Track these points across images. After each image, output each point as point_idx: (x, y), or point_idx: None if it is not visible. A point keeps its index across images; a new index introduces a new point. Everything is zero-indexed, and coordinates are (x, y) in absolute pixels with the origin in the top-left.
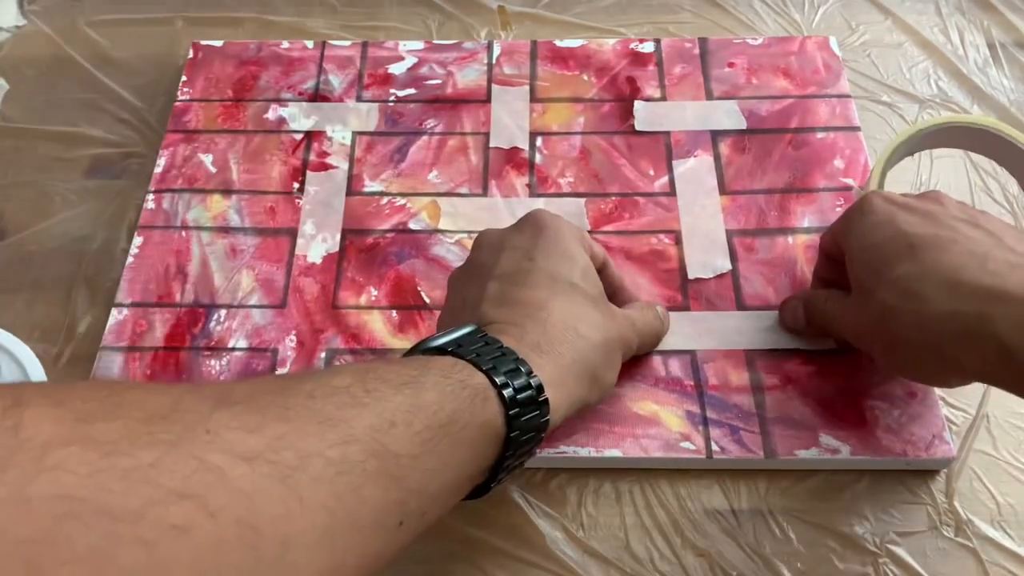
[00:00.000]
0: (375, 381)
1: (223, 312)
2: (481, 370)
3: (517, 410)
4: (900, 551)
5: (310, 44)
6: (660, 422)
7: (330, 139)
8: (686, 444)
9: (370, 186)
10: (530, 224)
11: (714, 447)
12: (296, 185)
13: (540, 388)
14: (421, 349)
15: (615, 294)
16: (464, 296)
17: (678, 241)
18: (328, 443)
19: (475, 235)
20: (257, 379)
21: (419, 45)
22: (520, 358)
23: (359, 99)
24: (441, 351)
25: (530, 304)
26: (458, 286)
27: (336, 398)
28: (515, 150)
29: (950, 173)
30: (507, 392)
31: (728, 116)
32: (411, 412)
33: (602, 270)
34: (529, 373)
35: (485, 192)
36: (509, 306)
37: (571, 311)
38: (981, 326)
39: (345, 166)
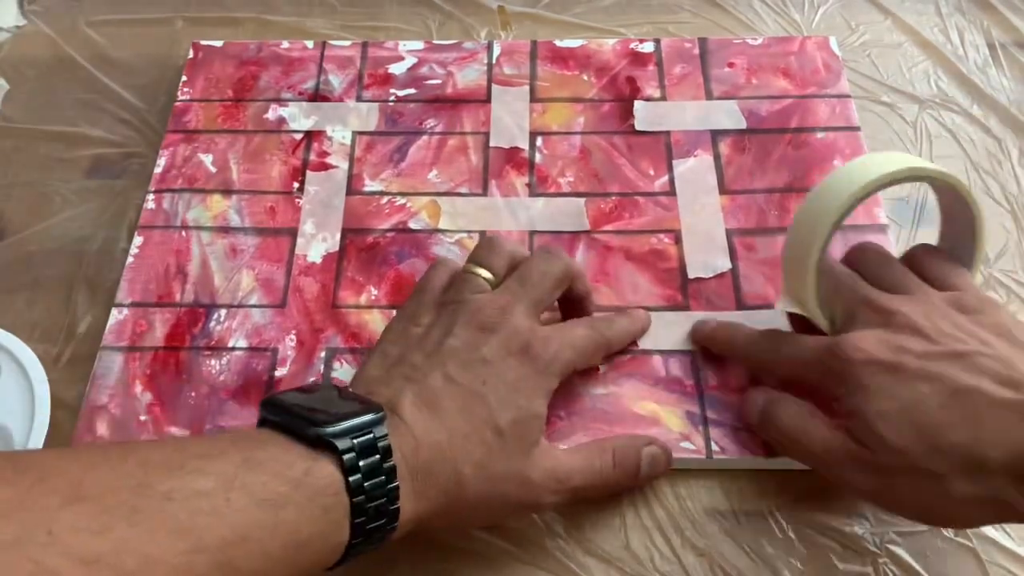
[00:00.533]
0: (239, 492)
1: (223, 312)
2: (350, 497)
3: (363, 518)
4: (900, 551)
5: (310, 44)
6: (660, 422)
7: (330, 139)
8: (686, 444)
9: (370, 186)
10: (518, 340)
11: (714, 447)
12: (296, 185)
13: (395, 513)
14: (317, 434)
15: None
16: (403, 353)
17: (678, 240)
18: (175, 551)
19: (475, 235)
20: (120, 466)
21: (419, 45)
22: (395, 487)
23: (359, 99)
24: (330, 443)
25: (438, 423)
26: (404, 328)
27: (194, 503)
28: (515, 150)
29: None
30: (350, 459)
31: (728, 116)
32: (268, 530)
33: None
34: (393, 500)
35: (485, 192)
36: (422, 407)
37: (471, 452)
38: None
39: (345, 166)
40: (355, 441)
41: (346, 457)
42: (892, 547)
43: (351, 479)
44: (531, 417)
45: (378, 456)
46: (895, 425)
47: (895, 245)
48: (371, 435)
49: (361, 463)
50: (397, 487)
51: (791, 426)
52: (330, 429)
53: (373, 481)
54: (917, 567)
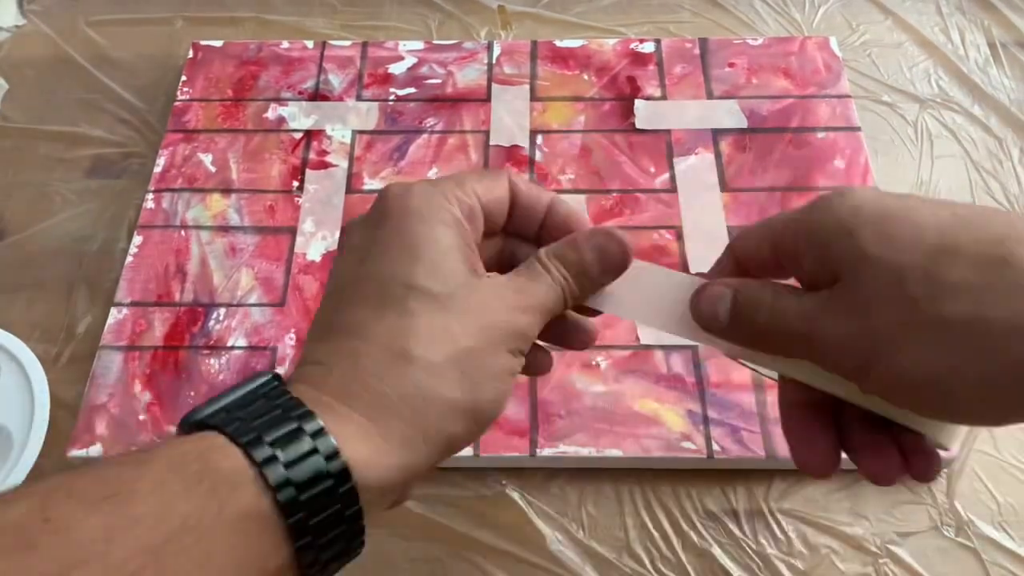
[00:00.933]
0: (62, 502)
1: (222, 311)
2: (238, 444)
3: (291, 490)
4: (901, 551)
5: (310, 44)
6: (661, 421)
7: (330, 138)
8: (687, 444)
9: (370, 184)
10: (375, 209)
11: (715, 447)
12: (296, 183)
13: (334, 453)
14: (183, 422)
15: (566, 228)
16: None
17: (679, 237)
18: None
19: None
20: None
21: (419, 45)
22: (307, 413)
23: (359, 98)
24: (203, 425)
25: (344, 331)
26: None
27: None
28: (515, 148)
29: (950, 173)
30: (274, 470)
31: (729, 115)
32: (110, 537)
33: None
34: (317, 433)
35: None
36: (327, 338)
37: (400, 329)
38: None
39: (345, 164)
40: (245, 411)
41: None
42: (892, 547)
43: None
44: (443, 251)
45: (280, 407)
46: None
47: None
48: (274, 388)
49: (251, 422)
50: (330, 444)
51: (782, 308)
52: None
53: (280, 433)
54: (918, 567)
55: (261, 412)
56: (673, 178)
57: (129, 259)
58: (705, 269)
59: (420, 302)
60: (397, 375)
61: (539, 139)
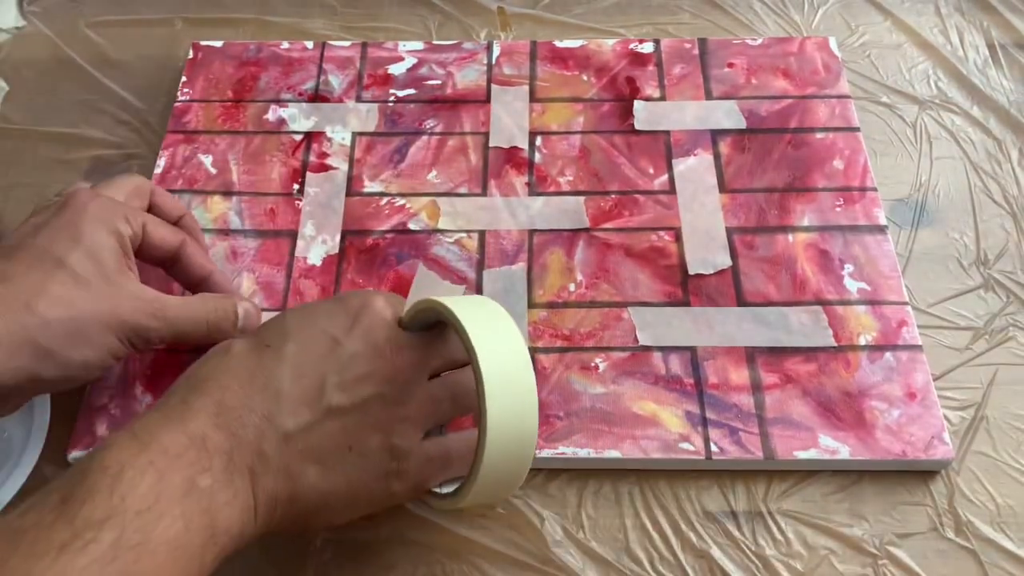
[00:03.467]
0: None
1: None
2: None
3: None
4: (900, 553)
5: (310, 45)
6: (659, 423)
7: (330, 140)
8: (685, 445)
9: (370, 187)
10: (63, 202)
11: (713, 448)
12: (296, 186)
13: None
14: None
15: (199, 284)
16: None
17: (678, 238)
18: None
19: (474, 234)
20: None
21: (419, 46)
22: None
23: (359, 99)
24: None
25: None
26: None
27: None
28: (515, 149)
29: (950, 173)
30: None
31: (728, 116)
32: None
33: (177, 259)
34: None
35: (484, 191)
36: None
37: (36, 287)
38: None
39: (345, 167)
40: None
41: None
42: (892, 548)
43: None
44: (99, 248)
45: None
46: None
47: (894, 246)
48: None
49: None
50: None
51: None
52: None
53: None
54: (917, 569)
55: None
56: (672, 179)
57: None
58: (703, 270)
59: (62, 276)
60: (14, 318)
61: (538, 140)
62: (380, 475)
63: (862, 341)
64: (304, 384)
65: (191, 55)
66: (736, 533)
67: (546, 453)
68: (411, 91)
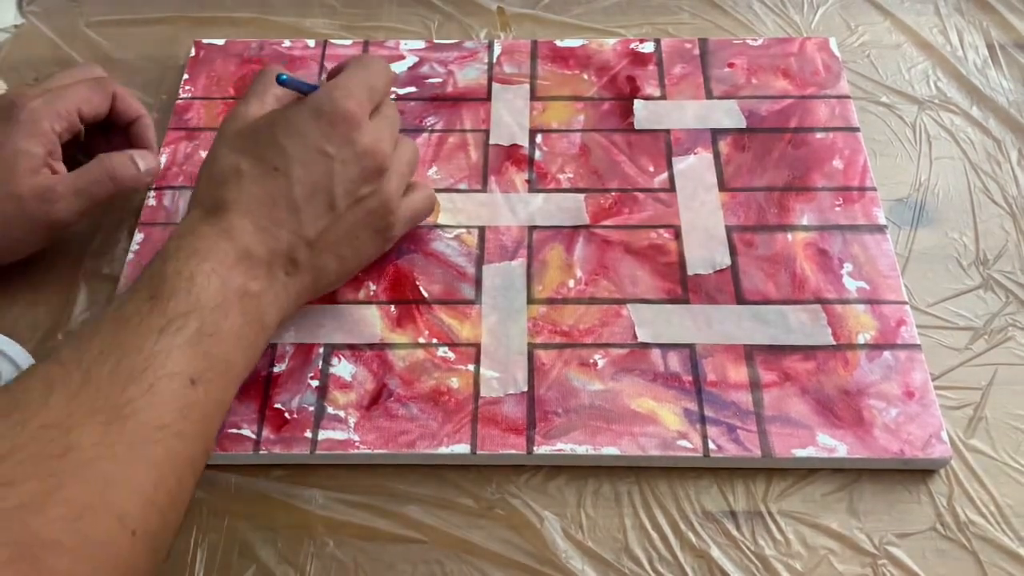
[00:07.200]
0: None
1: None
2: None
3: None
4: (899, 552)
5: (311, 43)
6: (658, 420)
7: None
8: (683, 443)
9: None
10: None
11: (711, 446)
12: None
13: None
14: None
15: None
16: None
17: (678, 236)
18: None
19: (474, 230)
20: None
21: (420, 44)
22: None
23: None
24: None
25: None
26: None
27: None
28: (515, 147)
29: (949, 173)
30: None
31: (728, 115)
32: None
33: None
34: None
35: (484, 188)
36: None
37: None
38: None
39: None
40: None
41: None
42: (891, 548)
43: None
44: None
45: None
46: None
47: (894, 245)
48: None
49: None
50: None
51: None
52: None
53: None
54: (916, 568)
55: None
56: (672, 177)
57: (130, 256)
58: (703, 269)
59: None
60: None
61: (539, 138)
62: (379, 241)
63: (861, 340)
64: (317, 199)
65: (193, 53)
66: (735, 533)
67: (544, 450)
68: (412, 89)
